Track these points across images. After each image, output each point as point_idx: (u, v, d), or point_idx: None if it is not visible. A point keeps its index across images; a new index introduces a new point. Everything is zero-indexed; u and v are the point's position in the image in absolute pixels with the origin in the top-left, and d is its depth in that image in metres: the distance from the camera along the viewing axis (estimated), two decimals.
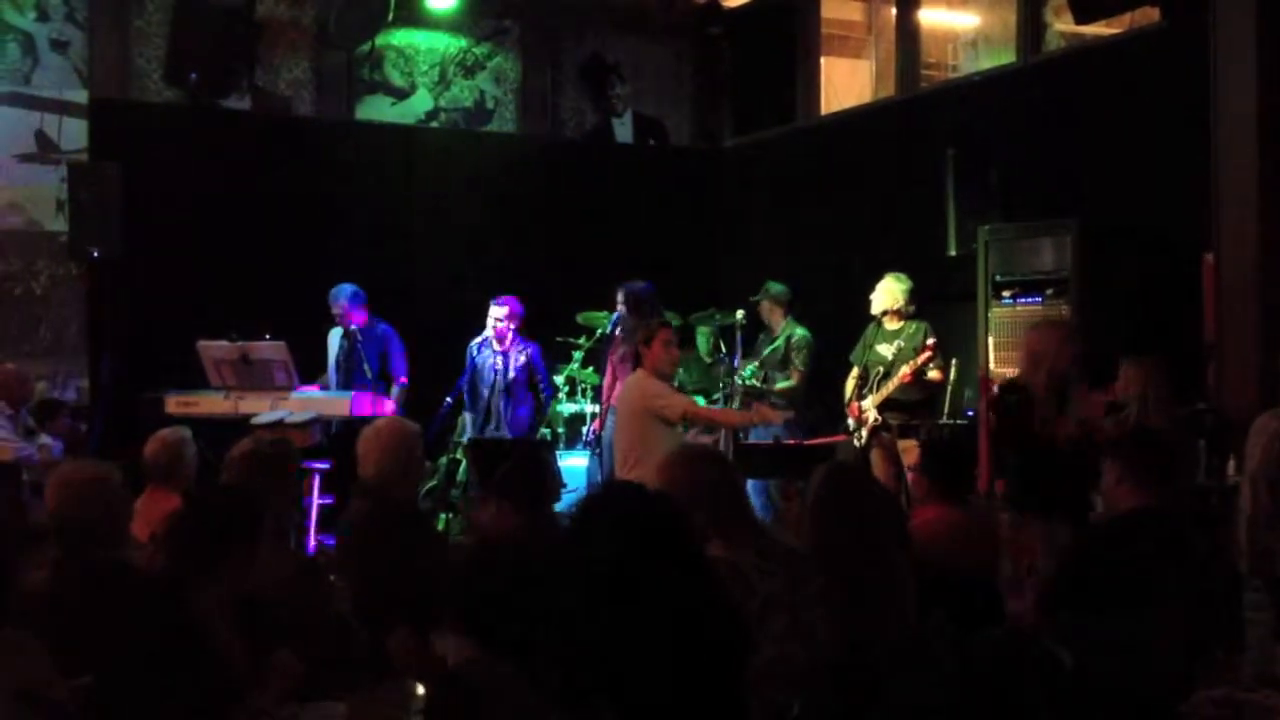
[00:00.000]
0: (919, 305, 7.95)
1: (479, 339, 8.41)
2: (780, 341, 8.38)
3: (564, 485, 5.46)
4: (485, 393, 8.41)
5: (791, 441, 7.50)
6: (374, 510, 4.39)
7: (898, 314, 7.88)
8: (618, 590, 2.40)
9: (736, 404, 8.19)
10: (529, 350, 8.49)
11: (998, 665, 3.12)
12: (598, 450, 7.91)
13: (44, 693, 2.11)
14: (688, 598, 2.43)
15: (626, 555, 2.41)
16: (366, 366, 8.17)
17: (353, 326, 8.25)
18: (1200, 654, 3.35)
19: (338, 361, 8.29)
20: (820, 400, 8.45)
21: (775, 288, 8.52)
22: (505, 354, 8.41)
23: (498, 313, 8.37)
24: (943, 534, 4.48)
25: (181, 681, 2.87)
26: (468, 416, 8.52)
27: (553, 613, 2.43)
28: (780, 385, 8.29)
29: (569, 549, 2.51)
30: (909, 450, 7.47)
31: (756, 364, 8.41)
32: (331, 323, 8.35)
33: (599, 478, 7.89)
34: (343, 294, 8.25)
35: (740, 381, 8.29)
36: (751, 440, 7.87)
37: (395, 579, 4.07)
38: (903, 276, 7.90)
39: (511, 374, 8.38)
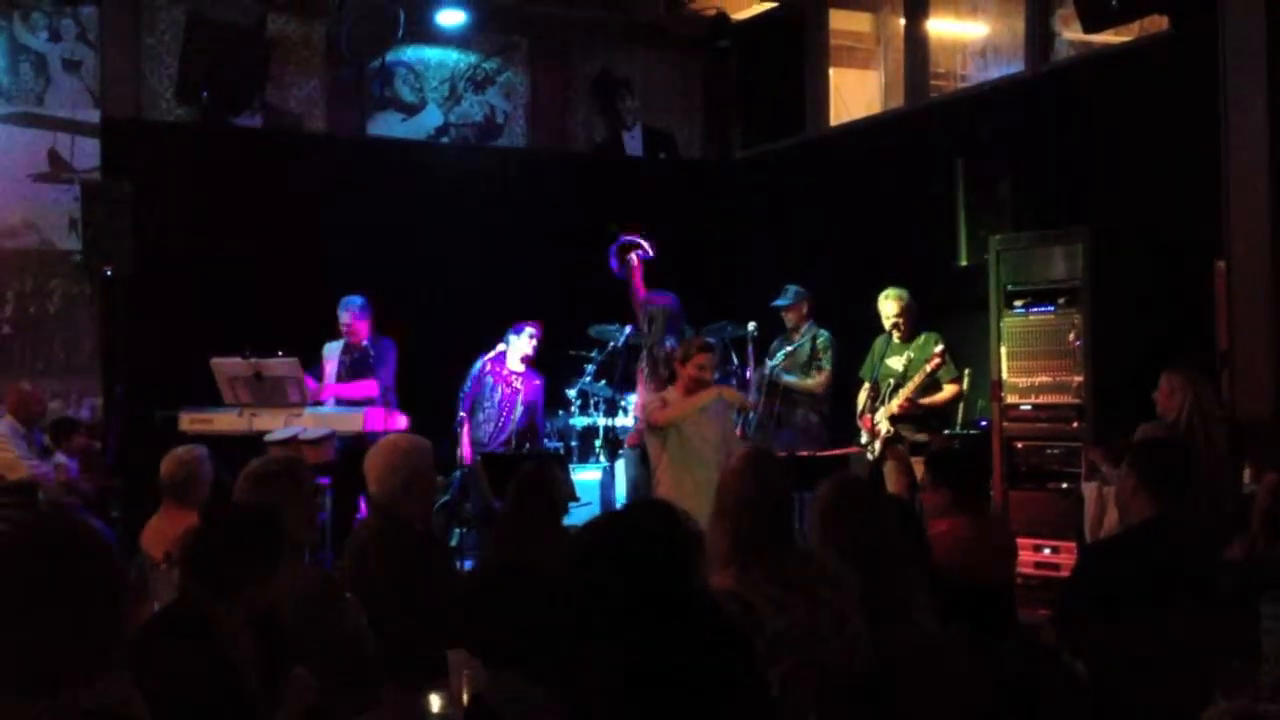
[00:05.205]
0: (930, 316, 7.94)
1: (491, 355, 8.37)
2: (805, 341, 8.38)
3: (576, 499, 5.46)
4: (495, 413, 8.35)
5: (804, 453, 7.50)
6: (380, 528, 4.39)
7: (906, 325, 7.87)
8: (611, 630, 2.41)
9: (752, 397, 8.18)
10: (539, 382, 8.48)
11: (1014, 678, 3.12)
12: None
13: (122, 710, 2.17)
14: (681, 639, 2.44)
15: (618, 594, 2.43)
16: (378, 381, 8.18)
17: (364, 341, 8.26)
18: (1217, 664, 3.33)
19: (339, 376, 8.27)
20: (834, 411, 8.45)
21: (802, 290, 8.50)
22: (522, 376, 8.39)
23: (535, 335, 8.33)
24: (959, 545, 4.48)
25: (205, 703, 2.88)
26: (464, 430, 8.32)
27: (561, 642, 2.44)
28: (807, 383, 8.29)
29: (570, 581, 2.52)
30: (921, 465, 7.46)
31: (780, 362, 8.36)
32: (329, 336, 8.34)
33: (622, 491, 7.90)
34: (354, 305, 8.24)
35: (769, 373, 8.27)
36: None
37: (400, 596, 4.08)
38: (901, 291, 7.88)
39: (522, 404, 8.36)
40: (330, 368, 8.28)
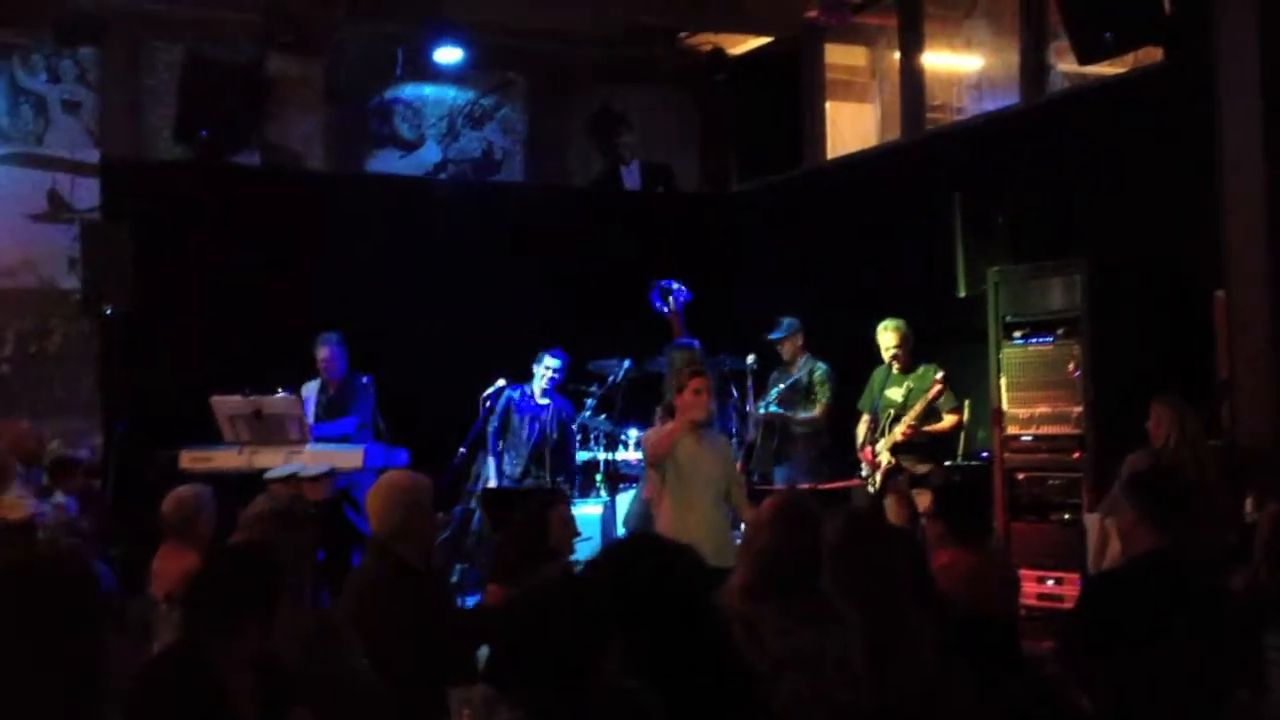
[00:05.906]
0: (929, 347, 7.94)
1: (515, 389, 8.42)
2: (802, 374, 8.39)
3: (578, 534, 5.43)
4: (529, 441, 8.41)
5: (805, 486, 7.48)
6: (379, 565, 4.37)
7: (904, 357, 7.87)
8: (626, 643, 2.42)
9: (751, 431, 8.18)
10: (567, 407, 8.56)
11: (1018, 711, 3.10)
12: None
13: None
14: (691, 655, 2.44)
15: (620, 629, 2.43)
16: (375, 418, 8.19)
17: (340, 377, 8.25)
18: (1224, 696, 3.32)
19: (317, 415, 8.25)
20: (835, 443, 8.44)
21: (796, 322, 8.53)
22: (547, 407, 8.47)
23: (553, 364, 8.44)
24: (962, 577, 4.46)
25: None
26: (493, 462, 8.44)
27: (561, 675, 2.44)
28: (803, 415, 8.31)
29: (572, 615, 2.53)
30: (922, 496, 7.45)
31: (774, 397, 8.37)
32: (306, 376, 8.32)
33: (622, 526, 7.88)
34: (330, 340, 8.25)
35: (763, 409, 8.28)
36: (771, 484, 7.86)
37: (400, 634, 4.06)
38: (899, 322, 7.88)
39: (552, 428, 8.42)
40: (309, 407, 8.28)
